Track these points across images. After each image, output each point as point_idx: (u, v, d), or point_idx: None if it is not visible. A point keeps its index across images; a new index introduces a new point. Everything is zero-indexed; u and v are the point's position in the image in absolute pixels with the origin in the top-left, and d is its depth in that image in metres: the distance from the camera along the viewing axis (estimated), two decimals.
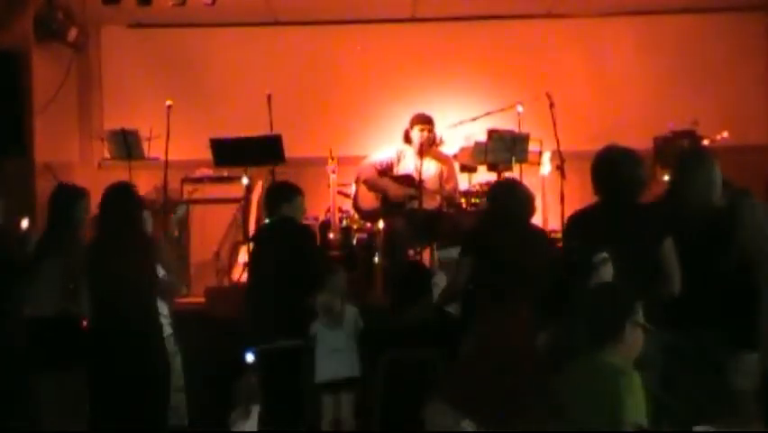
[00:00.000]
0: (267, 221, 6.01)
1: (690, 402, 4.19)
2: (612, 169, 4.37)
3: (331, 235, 7.23)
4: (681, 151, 6.81)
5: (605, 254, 3.87)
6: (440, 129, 7.52)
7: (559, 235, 7.19)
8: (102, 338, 4.94)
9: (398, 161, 7.45)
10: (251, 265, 6.10)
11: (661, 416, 3.89)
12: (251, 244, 6.20)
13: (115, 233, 5.01)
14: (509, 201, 5.20)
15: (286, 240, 5.65)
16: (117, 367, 4.87)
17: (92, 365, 4.93)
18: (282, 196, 5.79)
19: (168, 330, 5.42)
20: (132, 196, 5.21)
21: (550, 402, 3.49)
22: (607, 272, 3.85)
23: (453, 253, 6.06)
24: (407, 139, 7.43)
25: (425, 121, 7.37)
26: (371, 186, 7.46)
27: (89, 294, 5.02)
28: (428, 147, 7.37)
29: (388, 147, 7.63)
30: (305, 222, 7.56)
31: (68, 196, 5.38)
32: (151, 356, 4.98)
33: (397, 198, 7.36)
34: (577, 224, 4.51)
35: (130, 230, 5.04)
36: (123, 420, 4.84)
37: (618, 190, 4.36)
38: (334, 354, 5.37)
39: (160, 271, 5.19)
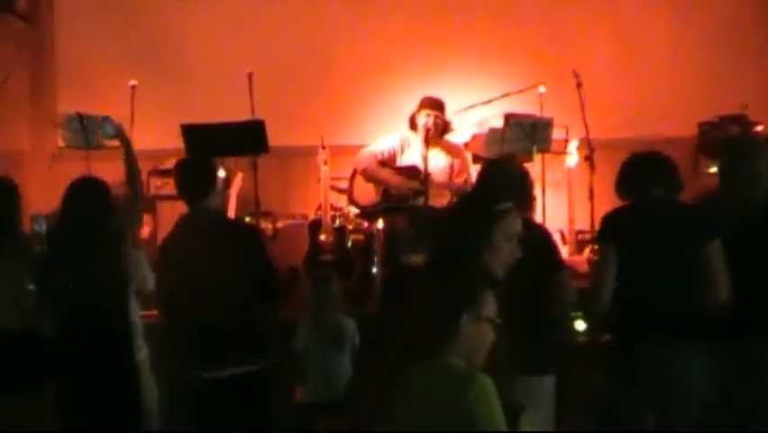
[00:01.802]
0: (187, 212, 5.19)
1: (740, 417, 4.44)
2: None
3: (322, 237, 7.11)
4: (728, 138, 6.86)
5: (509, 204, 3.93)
6: (449, 114, 7.43)
7: (588, 237, 7.26)
8: (68, 350, 5.00)
9: (402, 150, 7.38)
10: (167, 274, 5.22)
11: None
12: (168, 246, 5.30)
13: (79, 233, 5.01)
14: None
15: (226, 242, 5.05)
16: (85, 379, 4.94)
17: (59, 380, 5.00)
18: (208, 179, 5.16)
19: (144, 349, 5.27)
20: (99, 191, 5.15)
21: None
22: (514, 223, 3.88)
23: None
24: (413, 125, 7.34)
25: (432, 105, 7.26)
26: (370, 177, 7.39)
27: (53, 301, 5.02)
28: (436, 136, 7.25)
29: (389, 134, 7.54)
30: (291, 222, 7.59)
31: None
32: (120, 367, 5.02)
33: (399, 191, 7.30)
34: (612, 224, 4.59)
35: (95, 230, 5.03)
36: None
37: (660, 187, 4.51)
38: (328, 373, 5.40)
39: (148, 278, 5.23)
